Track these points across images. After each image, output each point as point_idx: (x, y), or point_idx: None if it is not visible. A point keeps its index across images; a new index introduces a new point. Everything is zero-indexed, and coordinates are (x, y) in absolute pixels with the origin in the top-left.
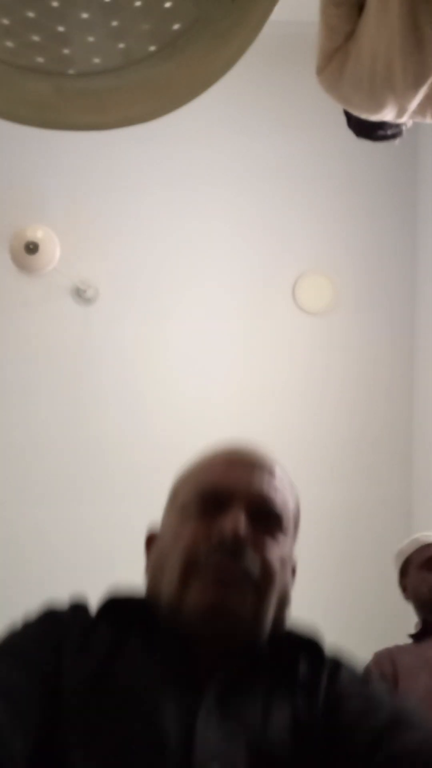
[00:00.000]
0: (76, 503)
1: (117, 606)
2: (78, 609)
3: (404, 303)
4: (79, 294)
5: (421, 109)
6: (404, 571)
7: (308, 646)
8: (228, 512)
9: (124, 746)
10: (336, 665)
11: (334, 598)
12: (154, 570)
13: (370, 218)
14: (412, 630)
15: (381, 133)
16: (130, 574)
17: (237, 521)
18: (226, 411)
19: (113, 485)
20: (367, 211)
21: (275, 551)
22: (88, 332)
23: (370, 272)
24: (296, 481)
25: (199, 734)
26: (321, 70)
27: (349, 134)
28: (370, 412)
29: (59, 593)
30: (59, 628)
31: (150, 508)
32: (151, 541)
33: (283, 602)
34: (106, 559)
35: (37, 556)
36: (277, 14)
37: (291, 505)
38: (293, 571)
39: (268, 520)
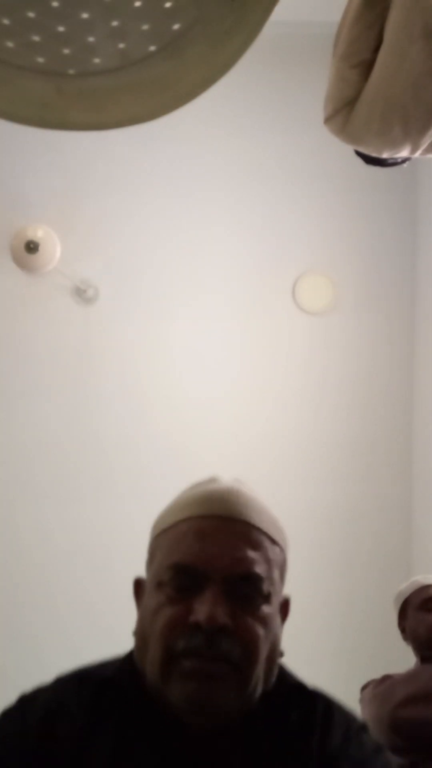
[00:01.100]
0: (77, 503)
1: (103, 686)
2: (64, 695)
3: (404, 303)
4: (79, 294)
5: None
6: (403, 613)
7: (299, 702)
8: (203, 594)
9: None
10: (327, 722)
11: (333, 597)
12: (139, 638)
13: (370, 218)
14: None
15: (391, 161)
16: (130, 574)
17: (211, 609)
18: (226, 410)
19: (114, 485)
20: (367, 211)
21: (256, 626)
22: (89, 332)
23: (369, 272)
24: (296, 482)
25: None
26: (328, 119)
27: None
28: (370, 412)
29: (59, 593)
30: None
31: (150, 507)
32: (138, 586)
33: (272, 660)
34: (107, 558)
35: (39, 556)
36: (277, 14)
37: (273, 558)
38: (285, 613)
39: (246, 593)
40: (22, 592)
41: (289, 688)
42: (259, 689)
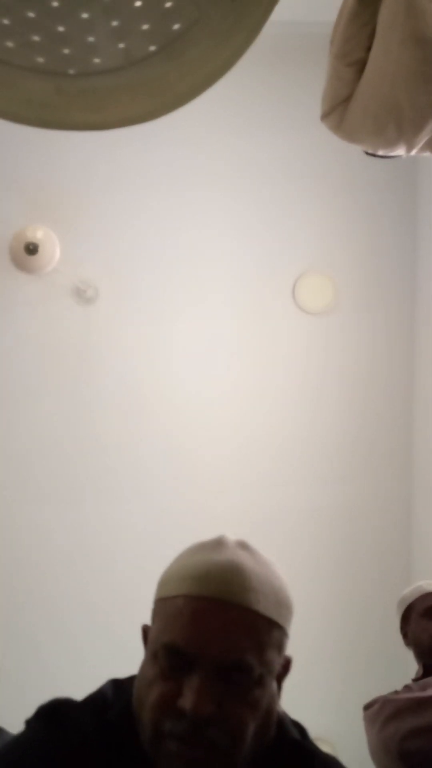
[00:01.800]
0: (77, 503)
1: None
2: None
3: (404, 303)
4: (79, 294)
5: (430, 145)
6: (406, 618)
7: (296, 760)
8: (192, 678)
9: None
10: None
11: (333, 597)
12: (137, 694)
13: (370, 218)
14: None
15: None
16: (130, 574)
17: (197, 698)
18: (226, 410)
19: (114, 485)
20: (367, 211)
21: (245, 712)
22: (89, 332)
23: (369, 272)
24: (296, 481)
25: None
26: (325, 117)
27: None
28: (370, 412)
29: (60, 593)
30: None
31: (150, 507)
32: (146, 634)
33: (266, 727)
34: (107, 558)
35: (39, 556)
36: (277, 14)
37: (268, 641)
38: (286, 671)
39: (238, 679)
40: (23, 592)
41: (287, 744)
42: (249, 759)
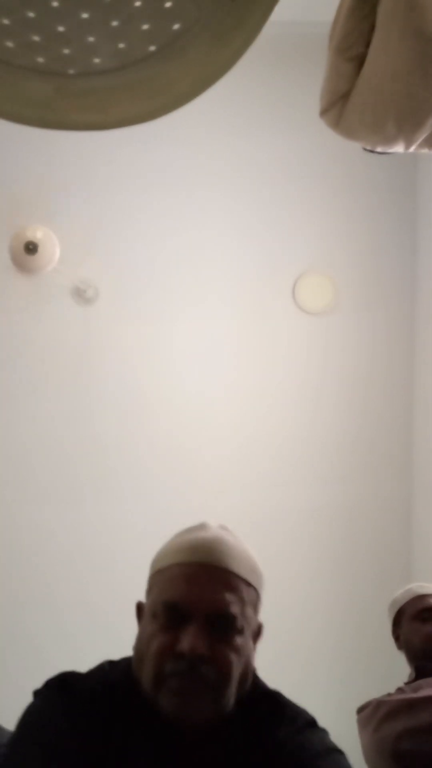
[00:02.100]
0: (77, 503)
1: (111, 687)
2: (77, 690)
3: (404, 303)
4: (79, 294)
5: (429, 142)
6: (397, 621)
7: (265, 703)
8: (188, 628)
9: None
10: (281, 717)
11: (332, 597)
12: (137, 655)
13: (370, 218)
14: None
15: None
16: (130, 573)
17: (193, 640)
18: (226, 410)
19: (114, 485)
20: (367, 211)
21: (231, 654)
22: (88, 332)
23: (369, 272)
24: (296, 481)
25: None
26: (324, 112)
27: None
28: (370, 412)
29: (60, 593)
30: (68, 715)
31: (150, 507)
32: (139, 609)
33: (245, 675)
34: (107, 558)
35: (39, 556)
36: (276, 14)
37: (247, 599)
38: (258, 636)
39: (224, 627)
40: (23, 592)
41: (258, 694)
42: (233, 700)
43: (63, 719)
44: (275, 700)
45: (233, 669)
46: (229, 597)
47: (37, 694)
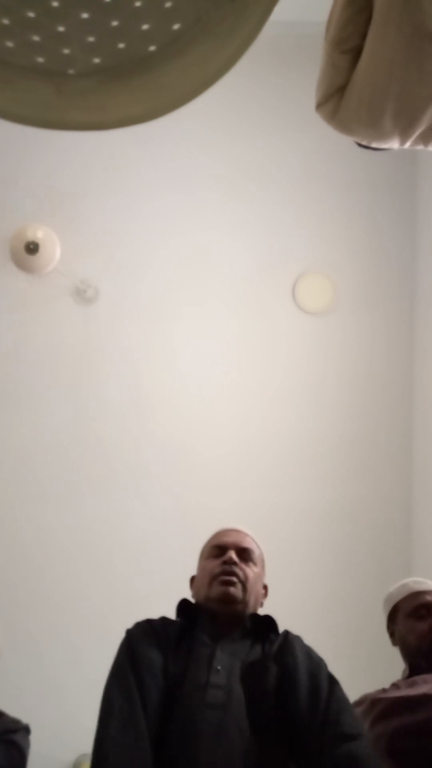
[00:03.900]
0: (77, 502)
1: (184, 607)
2: (164, 620)
3: (404, 303)
4: (79, 294)
5: (423, 138)
6: (392, 618)
7: (269, 625)
8: (227, 553)
9: (189, 668)
10: (285, 636)
11: (332, 596)
12: (196, 587)
13: (370, 218)
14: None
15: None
16: (130, 573)
17: (231, 556)
18: (226, 410)
19: (114, 484)
20: (366, 211)
21: (250, 570)
22: (89, 332)
23: (369, 272)
24: (296, 481)
25: (216, 656)
26: (319, 106)
27: None
28: (370, 412)
29: (60, 593)
30: (158, 635)
31: (150, 507)
32: (193, 580)
33: (257, 599)
34: (108, 557)
35: (39, 556)
36: (276, 14)
37: (257, 551)
38: (265, 588)
39: (246, 556)
40: (23, 592)
41: (268, 618)
42: (251, 602)
43: (151, 627)
44: (276, 623)
45: (250, 580)
46: (248, 541)
47: (128, 631)
